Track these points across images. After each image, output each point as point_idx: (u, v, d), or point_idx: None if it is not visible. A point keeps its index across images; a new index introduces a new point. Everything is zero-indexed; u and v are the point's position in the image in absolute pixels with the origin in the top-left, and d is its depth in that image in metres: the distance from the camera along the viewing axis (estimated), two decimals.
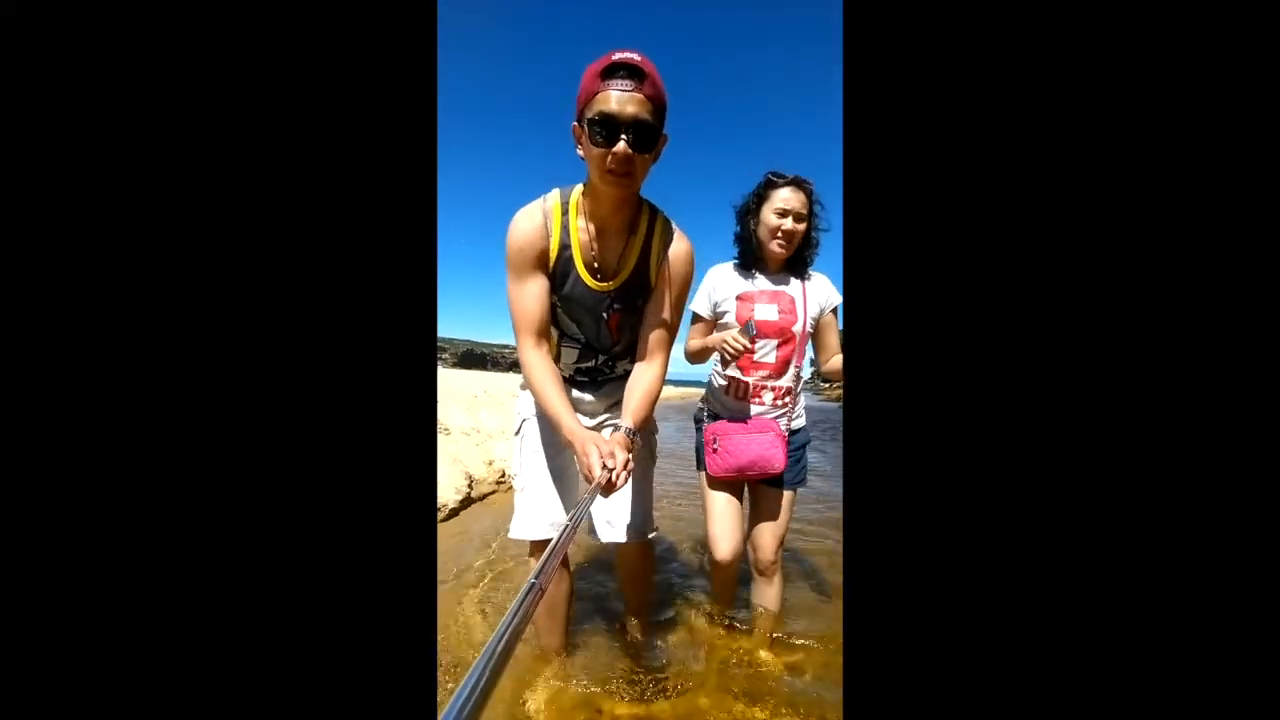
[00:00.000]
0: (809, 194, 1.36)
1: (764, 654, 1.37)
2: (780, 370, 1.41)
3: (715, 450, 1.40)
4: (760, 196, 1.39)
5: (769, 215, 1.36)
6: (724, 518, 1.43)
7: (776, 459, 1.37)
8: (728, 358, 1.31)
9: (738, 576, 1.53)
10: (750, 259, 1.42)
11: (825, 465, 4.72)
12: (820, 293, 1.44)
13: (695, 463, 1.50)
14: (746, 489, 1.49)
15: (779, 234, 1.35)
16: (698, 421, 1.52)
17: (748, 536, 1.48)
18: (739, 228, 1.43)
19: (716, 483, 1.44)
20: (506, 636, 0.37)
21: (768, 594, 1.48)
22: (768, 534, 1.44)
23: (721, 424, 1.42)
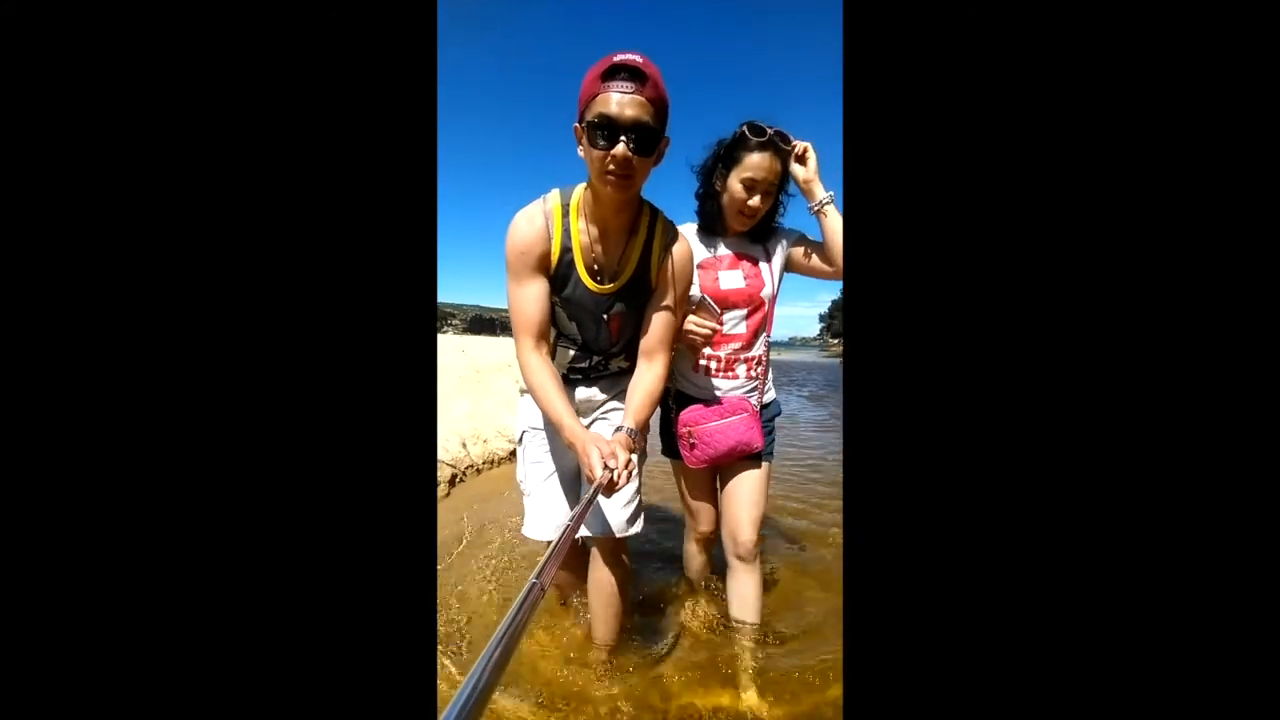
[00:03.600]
0: (785, 158, 1.17)
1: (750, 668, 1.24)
2: (752, 340, 1.29)
3: (692, 445, 1.27)
4: (730, 158, 1.18)
5: (735, 185, 1.17)
6: (703, 493, 1.39)
7: (755, 439, 1.26)
8: (698, 344, 1.21)
9: (713, 547, 1.48)
10: (711, 222, 1.26)
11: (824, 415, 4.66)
12: (785, 245, 1.30)
13: (660, 446, 1.41)
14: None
15: (744, 209, 1.18)
16: (662, 405, 1.36)
17: (721, 517, 1.39)
18: (701, 186, 1.26)
19: (691, 470, 1.34)
20: (507, 636, 0.37)
21: (748, 589, 1.33)
22: (745, 515, 1.31)
23: (692, 413, 1.28)
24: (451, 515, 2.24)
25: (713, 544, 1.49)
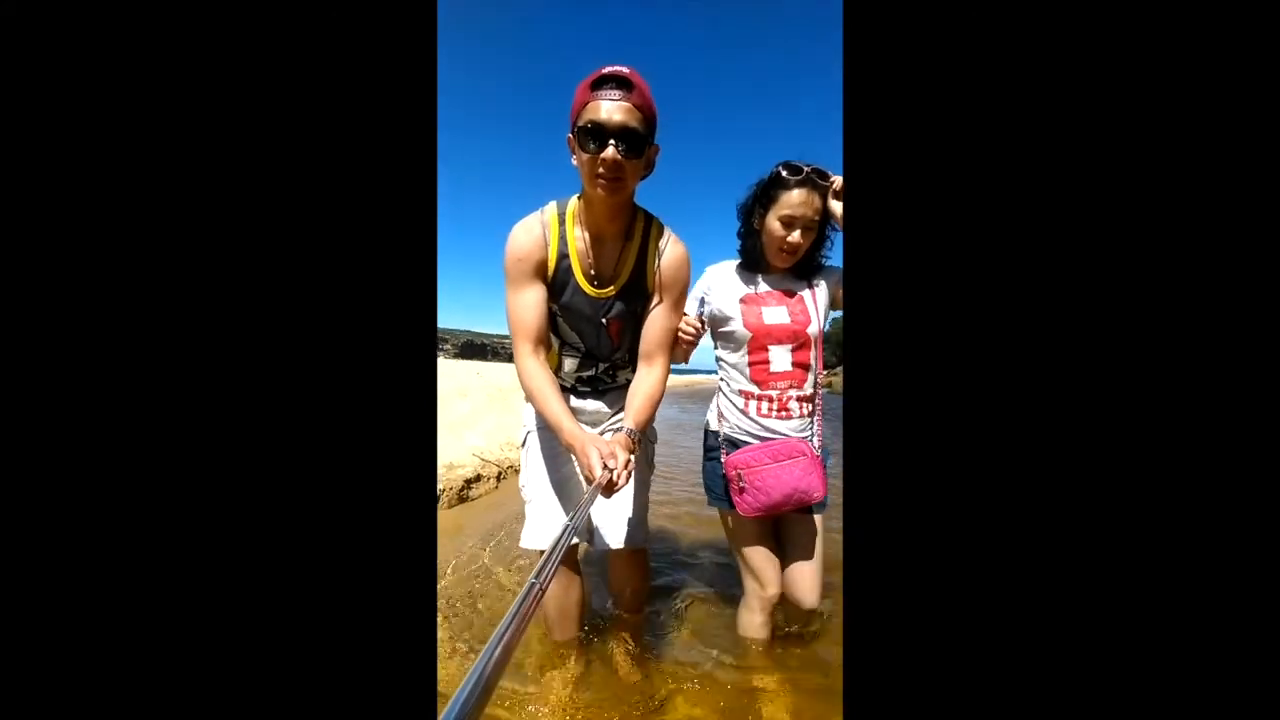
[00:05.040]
0: (824, 194, 1.13)
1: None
2: (802, 379, 1.21)
3: (743, 489, 1.17)
4: (767, 197, 1.16)
5: (774, 223, 1.14)
6: (762, 551, 1.23)
7: (815, 486, 1.16)
8: (684, 343, 1.18)
9: (776, 614, 1.30)
10: (753, 262, 1.24)
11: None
12: (829, 284, 1.25)
13: (707, 495, 1.30)
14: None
15: (784, 246, 1.15)
16: (710, 449, 1.29)
17: (784, 578, 1.26)
18: (741, 226, 1.24)
19: (745, 519, 1.21)
20: (507, 637, 0.37)
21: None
22: (809, 575, 1.22)
23: (744, 455, 1.18)
24: (511, 498, 2.65)
25: (774, 610, 1.29)
